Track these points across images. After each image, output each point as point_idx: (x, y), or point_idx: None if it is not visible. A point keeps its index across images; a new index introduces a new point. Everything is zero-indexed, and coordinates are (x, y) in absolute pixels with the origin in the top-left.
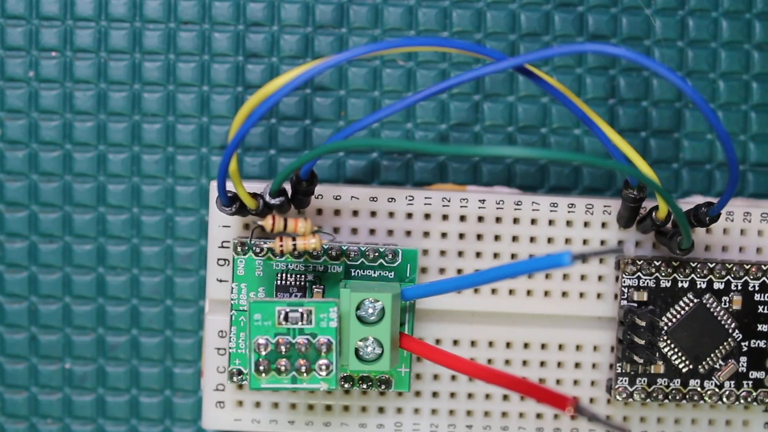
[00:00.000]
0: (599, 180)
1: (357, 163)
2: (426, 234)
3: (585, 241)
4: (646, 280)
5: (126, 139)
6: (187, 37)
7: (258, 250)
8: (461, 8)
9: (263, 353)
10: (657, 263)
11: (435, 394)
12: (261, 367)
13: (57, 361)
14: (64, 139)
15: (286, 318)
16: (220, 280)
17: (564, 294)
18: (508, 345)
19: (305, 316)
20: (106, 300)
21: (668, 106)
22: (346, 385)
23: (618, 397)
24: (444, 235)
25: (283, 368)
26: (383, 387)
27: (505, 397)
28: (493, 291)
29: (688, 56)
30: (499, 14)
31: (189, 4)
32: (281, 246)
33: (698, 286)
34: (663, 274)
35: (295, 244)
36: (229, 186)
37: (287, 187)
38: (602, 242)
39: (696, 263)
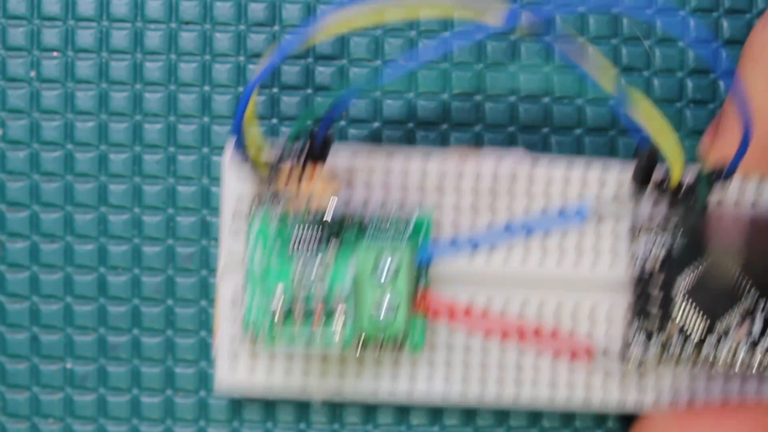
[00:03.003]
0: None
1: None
2: (440, 197)
3: (599, 201)
4: (660, 242)
5: (127, 139)
6: (189, 37)
7: (273, 206)
8: None
9: (278, 311)
10: (672, 225)
11: (449, 349)
12: (276, 325)
13: (58, 361)
14: (65, 139)
15: (301, 275)
16: (234, 237)
17: (578, 256)
18: (521, 307)
19: (321, 273)
20: (108, 300)
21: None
22: (360, 343)
23: (632, 360)
24: (458, 198)
25: (298, 325)
26: (398, 345)
27: (520, 352)
28: (508, 253)
29: (689, 56)
30: None
31: (190, 4)
32: (296, 202)
33: None
34: (677, 236)
35: (309, 199)
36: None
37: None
38: (615, 202)
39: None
